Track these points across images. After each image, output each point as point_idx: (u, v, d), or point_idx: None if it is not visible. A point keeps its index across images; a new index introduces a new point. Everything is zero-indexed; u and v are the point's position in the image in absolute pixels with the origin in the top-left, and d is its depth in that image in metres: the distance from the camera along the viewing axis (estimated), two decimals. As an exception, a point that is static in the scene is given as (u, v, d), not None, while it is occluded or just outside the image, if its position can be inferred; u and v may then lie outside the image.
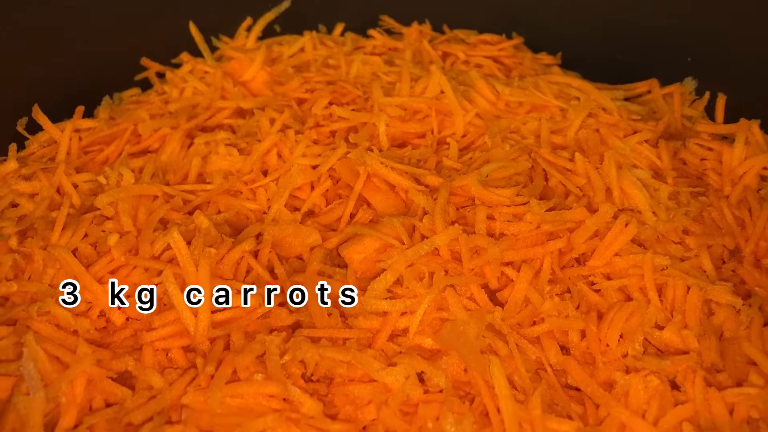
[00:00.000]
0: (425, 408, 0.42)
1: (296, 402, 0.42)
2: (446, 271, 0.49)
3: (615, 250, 0.52)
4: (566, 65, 0.80)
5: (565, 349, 0.48)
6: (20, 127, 0.62)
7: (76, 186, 0.58)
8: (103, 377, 0.42)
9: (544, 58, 0.79)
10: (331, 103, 0.67)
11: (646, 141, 0.63)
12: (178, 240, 0.48)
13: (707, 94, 0.70)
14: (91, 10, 0.70)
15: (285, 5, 0.81)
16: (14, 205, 0.55)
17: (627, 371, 0.46)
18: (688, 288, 0.50)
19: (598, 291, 0.51)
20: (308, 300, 0.48)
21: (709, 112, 0.70)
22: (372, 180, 0.56)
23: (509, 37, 0.81)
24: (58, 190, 0.57)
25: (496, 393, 0.43)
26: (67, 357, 0.42)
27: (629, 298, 0.50)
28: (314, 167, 0.59)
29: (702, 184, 0.61)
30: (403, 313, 0.47)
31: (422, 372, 0.44)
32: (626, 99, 0.72)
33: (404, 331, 0.47)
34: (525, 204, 0.53)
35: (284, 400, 0.42)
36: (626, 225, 0.52)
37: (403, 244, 0.50)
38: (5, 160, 0.59)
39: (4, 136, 0.62)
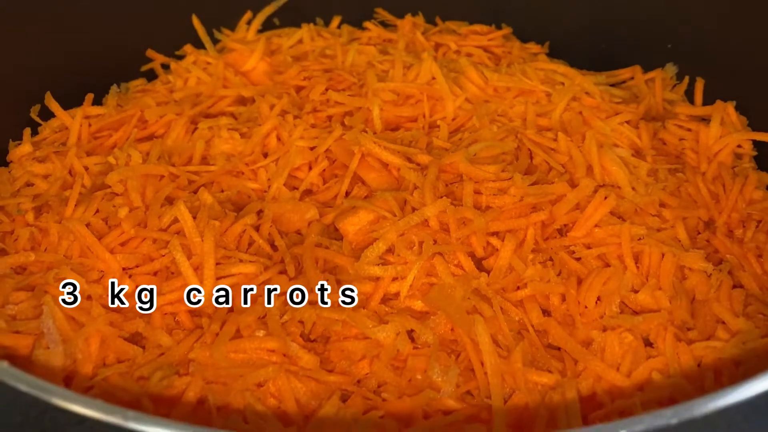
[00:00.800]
0: (414, 360, 0.45)
1: (294, 356, 0.45)
2: (435, 241, 0.52)
3: (595, 221, 0.55)
4: (553, 54, 0.83)
5: (546, 312, 0.51)
6: (33, 114, 0.66)
7: (86, 168, 0.61)
8: (116, 336, 0.46)
9: (532, 47, 0.82)
10: (327, 90, 0.70)
11: (627, 122, 0.66)
12: (185, 212, 0.51)
13: (686, 79, 0.73)
14: (100, 4, 0.73)
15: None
16: (29, 185, 0.59)
17: (603, 330, 0.49)
18: (663, 255, 0.53)
19: (578, 259, 0.54)
20: (305, 268, 0.51)
21: (689, 96, 0.73)
22: (366, 159, 0.60)
23: (499, 28, 0.84)
24: (69, 172, 0.61)
25: (480, 348, 0.46)
26: (83, 317, 0.46)
27: (607, 265, 0.53)
28: (312, 149, 0.62)
29: (680, 162, 0.64)
30: (395, 279, 0.50)
31: (412, 330, 0.47)
32: (611, 85, 0.75)
33: (395, 295, 0.50)
34: (510, 179, 0.56)
35: (284, 355, 0.45)
36: (605, 198, 0.56)
37: (395, 216, 0.53)
38: (20, 143, 0.63)
39: (18, 122, 0.65)
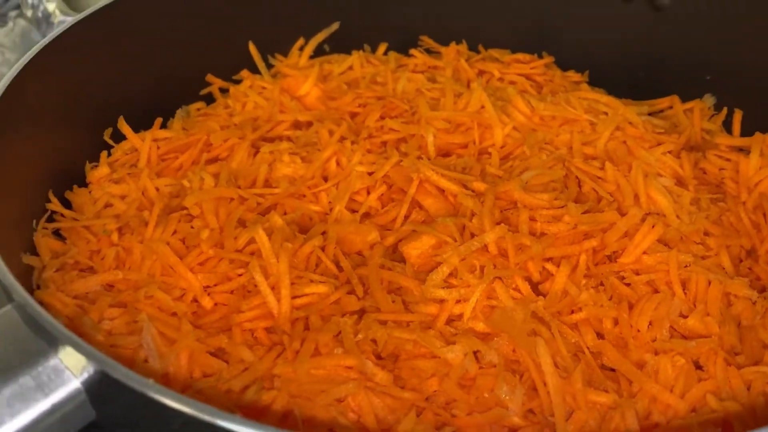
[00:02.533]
0: (482, 380, 0.48)
1: (370, 373, 0.48)
2: (495, 265, 0.55)
3: (643, 248, 0.58)
4: (592, 82, 0.86)
5: (600, 335, 0.54)
6: (106, 137, 0.70)
7: (158, 189, 0.65)
8: (203, 351, 0.49)
9: (572, 75, 0.86)
10: (382, 117, 0.74)
11: (669, 152, 0.70)
12: (262, 235, 0.55)
13: (725, 110, 0.76)
14: (162, 33, 0.78)
15: (334, 27, 0.88)
16: (108, 206, 0.62)
17: (656, 353, 0.52)
18: (709, 282, 0.56)
19: (628, 285, 0.57)
20: (372, 289, 0.55)
21: (727, 126, 0.77)
22: (423, 185, 0.63)
23: (539, 56, 0.88)
24: (143, 193, 0.64)
25: (543, 369, 0.49)
26: (173, 333, 0.49)
27: (656, 291, 0.56)
28: (370, 173, 0.66)
29: (720, 192, 0.68)
30: (458, 301, 0.53)
31: (477, 351, 0.51)
32: (650, 114, 0.79)
33: (459, 317, 0.53)
34: (562, 207, 0.59)
35: (360, 372, 0.48)
36: (653, 226, 0.59)
37: (456, 241, 0.57)
38: (97, 165, 0.67)
39: (92, 145, 0.69)
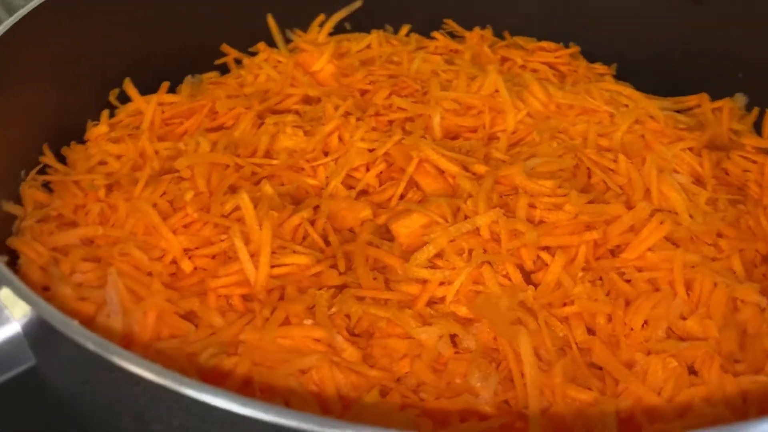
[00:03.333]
0: (455, 364, 0.46)
1: (339, 348, 0.46)
2: (485, 250, 0.53)
3: (648, 245, 0.55)
4: (620, 77, 0.83)
5: (591, 331, 0.51)
6: (112, 97, 0.69)
7: (157, 152, 0.64)
8: (172, 312, 0.48)
9: (599, 68, 0.82)
10: (391, 95, 0.71)
11: (690, 149, 0.66)
12: (247, 201, 0.54)
13: (756, 110, 0.72)
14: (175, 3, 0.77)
15: (356, 4, 0.86)
16: (103, 163, 0.62)
17: (648, 353, 0.49)
18: (716, 284, 0.52)
19: (628, 281, 0.54)
20: (355, 265, 0.53)
21: (758, 128, 0.72)
22: (423, 165, 0.61)
23: (567, 47, 0.85)
24: (141, 155, 0.64)
25: (522, 359, 0.46)
26: (143, 291, 0.48)
27: (657, 290, 0.53)
28: (371, 150, 0.64)
29: (742, 194, 0.63)
30: (442, 283, 0.51)
31: (455, 336, 0.48)
32: (678, 111, 0.75)
33: (441, 300, 0.51)
34: (565, 196, 0.56)
35: (329, 346, 0.47)
36: (661, 223, 0.55)
37: (447, 222, 0.54)
38: (98, 124, 0.66)
39: (97, 105, 0.69)
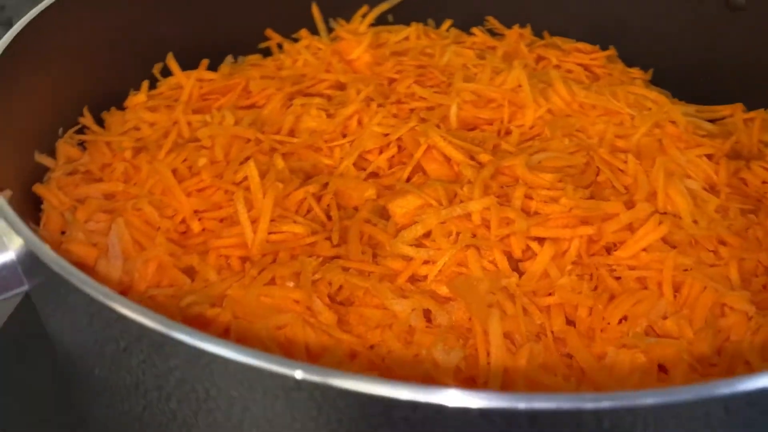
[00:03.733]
0: (422, 336, 0.48)
1: (316, 311, 0.49)
2: (474, 235, 0.54)
3: (644, 245, 0.55)
4: (657, 83, 0.82)
5: (571, 322, 0.52)
6: (156, 71, 0.74)
7: (189, 123, 0.69)
8: (172, 265, 0.52)
9: (635, 72, 0.82)
10: (413, 84, 0.73)
11: (707, 156, 0.65)
12: (253, 170, 0.57)
13: (788, 122, 0.70)
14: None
15: (399, -2, 0.89)
16: (136, 129, 0.67)
17: (621, 348, 0.49)
18: (705, 288, 0.52)
19: (618, 278, 0.54)
20: (349, 238, 0.55)
21: (792, 142, 0.70)
22: (431, 151, 0.63)
23: (605, 50, 0.84)
24: (174, 124, 0.68)
25: (490, 339, 0.48)
26: (147, 243, 0.52)
27: (645, 289, 0.53)
28: (386, 135, 0.66)
29: (760, 205, 0.62)
30: (426, 262, 0.53)
31: (430, 312, 0.50)
32: (710, 120, 0.73)
33: (424, 278, 0.53)
34: (563, 189, 0.57)
35: (307, 308, 0.49)
36: (660, 223, 0.55)
37: (442, 205, 0.56)
38: (138, 93, 0.71)
39: (142, 77, 0.74)
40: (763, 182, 0.64)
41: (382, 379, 0.31)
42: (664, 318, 0.51)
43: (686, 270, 0.54)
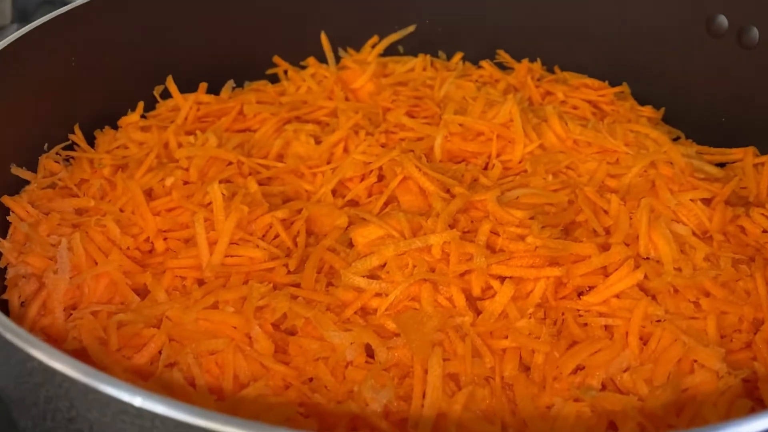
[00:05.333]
0: (352, 372, 0.46)
1: (254, 338, 0.48)
2: (433, 269, 0.52)
3: (616, 291, 0.52)
4: (672, 122, 0.78)
5: (527, 368, 0.49)
6: (156, 93, 0.76)
7: (180, 144, 0.69)
8: (123, 283, 0.52)
9: (645, 111, 0.78)
10: (411, 116, 0.72)
11: (706, 201, 0.61)
12: (216, 191, 0.57)
13: (803, 170, 0.65)
14: (245, 11, 0.83)
15: (410, 29, 0.88)
16: (124, 147, 0.68)
17: (572, 400, 0.45)
18: (675, 342, 0.48)
19: (585, 325, 0.51)
20: (306, 265, 0.54)
21: (806, 190, 0.65)
22: (407, 182, 0.61)
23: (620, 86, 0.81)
24: (165, 145, 0.69)
25: (428, 380, 0.45)
26: (101, 259, 0.53)
27: (611, 338, 0.49)
28: (367, 163, 0.65)
29: (758, 255, 0.57)
30: (378, 294, 0.51)
31: (374, 348, 0.48)
32: (719, 164, 0.69)
33: (375, 311, 0.51)
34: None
35: (246, 335, 0.48)
36: (634, 269, 0.52)
37: (404, 237, 0.54)
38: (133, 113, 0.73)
39: (143, 98, 0.76)
40: (764, 231, 0.59)
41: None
42: (626, 371, 0.47)
43: (659, 321, 0.50)
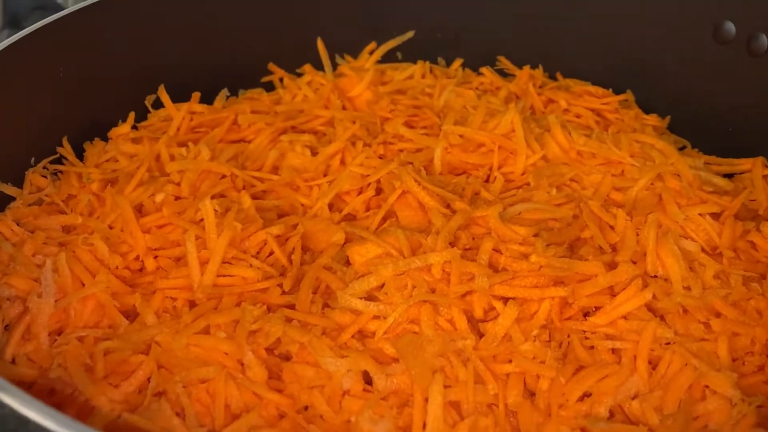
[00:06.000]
0: (350, 401, 0.44)
1: (247, 365, 0.46)
2: (433, 290, 0.50)
3: (623, 312, 0.50)
4: (677, 130, 0.76)
5: (531, 393, 0.47)
6: (148, 102, 0.74)
7: (173, 157, 0.67)
8: (111, 305, 0.50)
9: (650, 119, 0.76)
10: (409, 126, 0.70)
11: (714, 215, 0.59)
12: (208, 208, 0.55)
13: (813, 182, 0.63)
14: (239, 18, 0.81)
15: (408, 35, 0.86)
16: (114, 160, 0.66)
17: (581, 430, 0.44)
18: (685, 366, 0.46)
19: (591, 348, 0.49)
20: (302, 285, 0.52)
21: (817, 202, 0.63)
22: (406, 197, 0.59)
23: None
24: (156, 158, 0.67)
25: (429, 409, 0.43)
26: (88, 280, 0.51)
27: (618, 363, 0.47)
28: (365, 176, 0.63)
29: (765, 273, 0.55)
30: (376, 317, 0.49)
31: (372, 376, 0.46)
32: (727, 174, 0.67)
33: (373, 334, 0.49)
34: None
35: (238, 362, 0.46)
36: (642, 289, 0.50)
37: (403, 255, 0.52)
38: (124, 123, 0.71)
39: (135, 108, 0.74)
40: (775, 247, 0.57)
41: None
42: (634, 398, 0.45)
43: (668, 343, 0.48)
